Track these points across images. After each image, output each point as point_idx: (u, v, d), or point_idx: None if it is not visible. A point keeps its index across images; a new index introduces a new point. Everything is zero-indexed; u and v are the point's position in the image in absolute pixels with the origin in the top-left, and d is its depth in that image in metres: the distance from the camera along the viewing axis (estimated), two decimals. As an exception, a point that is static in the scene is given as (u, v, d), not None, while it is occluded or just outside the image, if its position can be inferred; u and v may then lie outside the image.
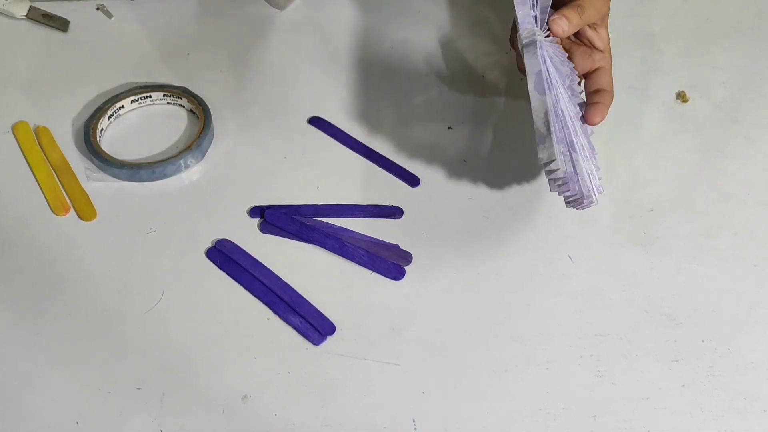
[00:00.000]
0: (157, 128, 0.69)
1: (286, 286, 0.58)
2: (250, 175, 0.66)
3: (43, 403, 0.52)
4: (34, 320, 0.57)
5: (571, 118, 0.56)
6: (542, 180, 0.65)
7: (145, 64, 0.74)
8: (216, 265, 0.60)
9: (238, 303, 0.58)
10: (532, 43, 0.56)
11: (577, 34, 0.62)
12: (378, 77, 0.74)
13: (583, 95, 0.62)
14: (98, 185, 0.65)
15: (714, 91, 0.73)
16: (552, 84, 0.56)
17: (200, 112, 0.69)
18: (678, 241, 0.62)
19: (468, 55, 0.76)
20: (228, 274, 0.59)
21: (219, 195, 0.64)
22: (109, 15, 0.79)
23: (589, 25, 0.61)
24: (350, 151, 0.68)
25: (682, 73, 0.74)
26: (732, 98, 0.72)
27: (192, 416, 0.52)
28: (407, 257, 0.60)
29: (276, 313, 0.57)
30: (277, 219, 0.62)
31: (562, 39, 0.61)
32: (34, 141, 0.68)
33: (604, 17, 0.62)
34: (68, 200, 0.64)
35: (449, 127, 0.69)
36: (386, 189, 0.65)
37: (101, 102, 0.69)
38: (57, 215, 0.63)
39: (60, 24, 0.77)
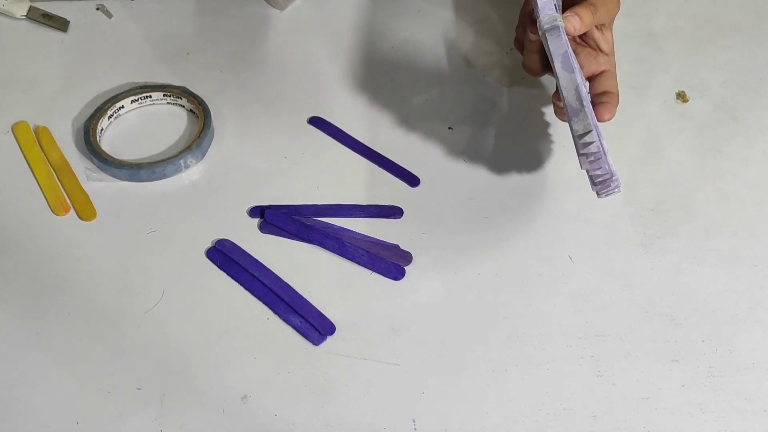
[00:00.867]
0: (157, 128, 0.69)
1: (286, 286, 0.58)
2: (250, 175, 0.66)
3: (43, 403, 0.53)
4: (34, 320, 0.57)
5: (590, 105, 0.56)
6: (542, 180, 0.65)
7: (145, 64, 0.74)
8: (216, 265, 0.60)
9: (238, 303, 0.58)
10: (555, 27, 0.57)
11: (584, 36, 0.62)
12: (378, 77, 0.74)
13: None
14: (98, 185, 0.65)
15: (714, 91, 0.73)
16: (575, 65, 0.57)
17: (200, 112, 0.69)
18: (678, 241, 0.62)
19: (468, 55, 0.76)
20: (228, 274, 0.59)
21: (219, 195, 0.64)
22: (109, 15, 0.79)
23: (596, 27, 0.61)
24: (350, 151, 0.68)
25: (682, 73, 0.74)
26: (732, 98, 0.72)
27: (192, 416, 0.52)
28: (407, 257, 0.60)
29: (276, 313, 0.57)
30: (277, 219, 0.62)
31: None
32: (34, 141, 0.68)
33: (613, 19, 0.62)
34: (68, 200, 0.64)
35: (449, 127, 0.69)
36: (386, 189, 0.65)
37: (101, 102, 0.69)
38: (57, 215, 0.63)
39: (60, 24, 0.77)
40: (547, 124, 0.70)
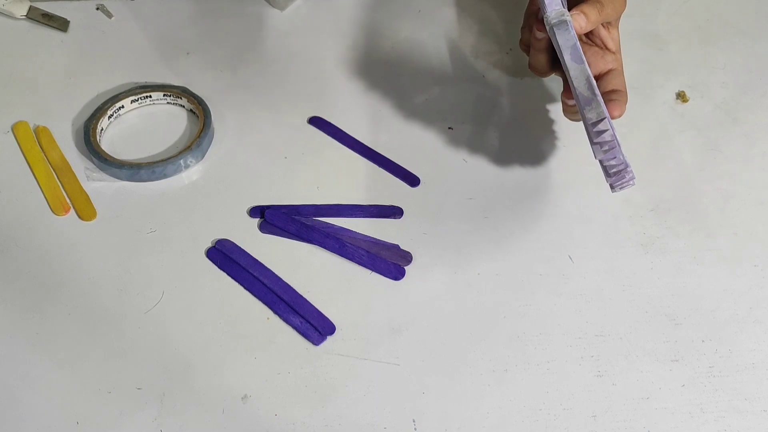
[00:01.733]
0: (157, 128, 0.69)
1: (286, 286, 0.58)
2: (250, 175, 0.66)
3: (43, 403, 0.53)
4: (34, 320, 0.57)
5: (601, 96, 0.57)
6: (542, 180, 0.65)
7: (145, 64, 0.74)
8: (216, 265, 0.60)
9: (238, 303, 0.58)
10: (563, 22, 0.57)
11: (590, 34, 0.62)
12: (378, 77, 0.74)
13: None
14: (98, 185, 0.65)
15: (714, 91, 0.73)
16: (585, 58, 0.57)
17: (200, 112, 0.69)
18: (678, 241, 0.62)
19: (468, 55, 0.76)
20: (228, 274, 0.59)
21: (219, 195, 0.64)
22: (109, 15, 0.79)
23: (602, 25, 0.61)
24: (350, 151, 0.68)
25: (682, 73, 0.74)
26: (732, 98, 0.72)
27: (192, 416, 0.52)
28: (407, 257, 0.60)
29: (276, 313, 0.57)
30: (277, 219, 0.62)
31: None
32: (34, 141, 0.68)
33: (619, 17, 0.62)
34: (68, 200, 0.64)
35: (449, 127, 0.69)
36: (386, 189, 0.65)
37: (101, 102, 0.69)
38: (57, 215, 0.63)
39: (60, 24, 0.77)
40: (547, 124, 0.70)
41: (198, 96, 0.70)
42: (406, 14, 0.80)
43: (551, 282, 0.59)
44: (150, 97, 0.70)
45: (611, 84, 0.61)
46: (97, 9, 0.80)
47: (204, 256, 0.60)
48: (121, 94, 0.70)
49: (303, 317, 0.57)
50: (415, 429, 0.52)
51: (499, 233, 0.62)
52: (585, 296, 0.58)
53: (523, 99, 0.72)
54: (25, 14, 0.78)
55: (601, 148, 0.55)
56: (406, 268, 0.60)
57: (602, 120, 0.55)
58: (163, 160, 0.65)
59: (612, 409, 0.53)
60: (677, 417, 0.52)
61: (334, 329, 0.56)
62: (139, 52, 0.76)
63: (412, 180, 0.66)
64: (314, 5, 0.80)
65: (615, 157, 0.55)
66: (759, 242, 0.62)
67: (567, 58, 0.57)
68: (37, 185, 0.65)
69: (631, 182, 0.55)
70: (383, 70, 0.74)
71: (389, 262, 0.60)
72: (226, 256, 0.60)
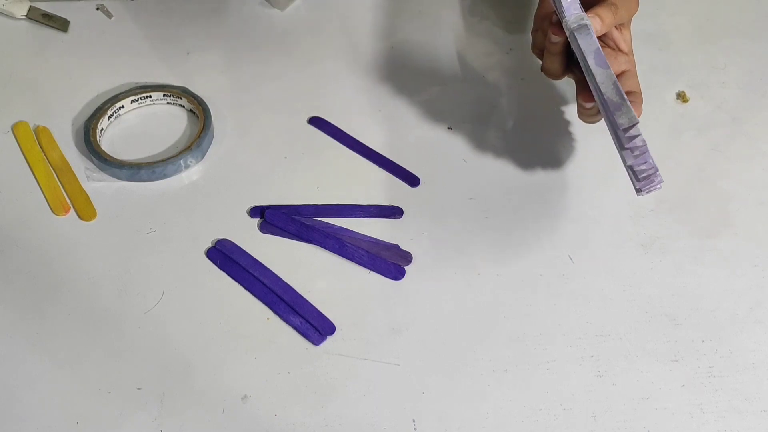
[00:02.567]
0: (157, 128, 0.69)
1: (286, 286, 0.58)
2: (250, 175, 0.66)
3: (43, 403, 0.53)
4: (34, 320, 0.57)
5: None
6: (542, 180, 0.65)
7: (145, 64, 0.74)
8: (216, 265, 0.60)
9: (238, 303, 0.58)
10: (583, 26, 0.57)
11: (603, 36, 0.61)
12: (378, 77, 0.74)
13: None
14: (98, 185, 0.65)
15: (714, 91, 0.73)
16: (608, 62, 0.56)
17: (200, 112, 0.69)
18: (678, 241, 0.62)
19: (468, 55, 0.76)
20: (228, 274, 0.59)
21: (219, 195, 0.64)
22: (109, 15, 0.79)
23: (615, 26, 0.61)
24: (350, 151, 0.68)
25: (682, 73, 0.74)
26: (732, 98, 0.72)
27: (192, 416, 0.52)
28: (407, 257, 0.60)
29: (276, 313, 0.57)
30: (277, 219, 0.62)
31: None
32: (34, 141, 0.68)
33: (631, 18, 0.62)
34: (68, 200, 0.64)
35: (449, 127, 0.69)
36: (386, 189, 0.65)
37: (101, 102, 0.69)
38: (57, 215, 0.63)
39: (60, 24, 0.77)
40: (547, 124, 0.70)
41: (198, 96, 0.70)
42: (406, 14, 0.80)
43: (551, 282, 0.59)
44: (150, 97, 0.70)
45: (626, 86, 0.60)
46: (97, 9, 0.80)
47: (204, 256, 0.60)
48: (121, 94, 0.70)
49: (303, 317, 0.57)
50: (415, 429, 0.52)
51: (499, 233, 0.62)
52: (585, 296, 0.58)
53: (523, 99, 0.72)
54: (25, 14, 0.78)
55: (633, 153, 0.54)
56: (406, 268, 0.60)
57: (634, 125, 0.54)
58: (163, 160, 0.65)
59: (612, 409, 0.53)
60: (677, 417, 0.52)
61: (334, 329, 0.56)
62: (139, 52, 0.76)
63: (412, 180, 0.66)
64: (314, 5, 0.80)
65: (646, 162, 0.54)
66: (759, 242, 0.62)
67: (591, 62, 0.56)
68: (37, 185, 0.65)
69: (658, 186, 0.54)
70: (383, 70, 0.74)
71: (389, 262, 0.60)
72: (226, 256, 0.60)
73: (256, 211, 0.63)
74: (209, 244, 0.61)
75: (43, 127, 0.69)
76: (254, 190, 0.64)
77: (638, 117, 0.58)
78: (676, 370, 0.54)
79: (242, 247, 0.61)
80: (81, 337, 0.56)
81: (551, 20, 0.61)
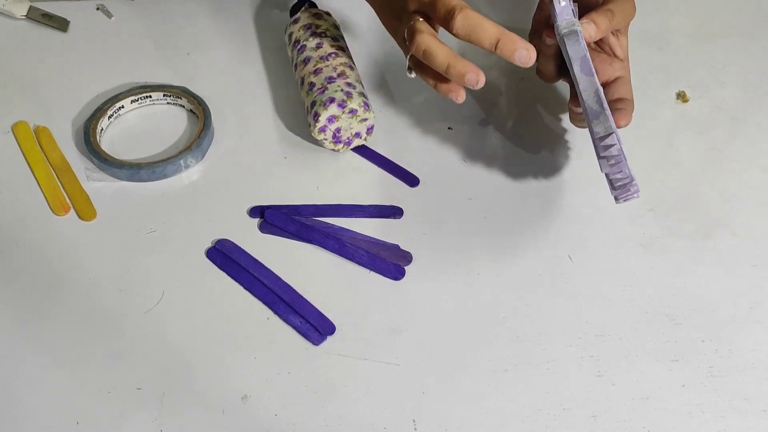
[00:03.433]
0: (157, 128, 0.69)
1: (286, 286, 0.58)
2: (250, 175, 0.66)
3: (43, 403, 0.52)
4: (34, 320, 0.57)
5: (609, 109, 0.56)
6: (542, 180, 0.65)
7: (145, 64, 0.74)
8: (216, 265, 0.60)
9: (238, 303, 0.58)
10: (573, 32, 0.57)
11: (599, 41, 0.62)
12: (378, 77, 0.74)
13: None
14: (98, 185, 0.65)
15: (714, 91, 0.73)
16: (594, 69, 0.57)
17: (200, 112, 0.69)
18: (678, 241, 0.62)
19: (468, 55, 0.76)
20: (228, 274, 0.59)
21: (219, 195, 0.64)
22: (109, 15, 0.79)
23: (612, 32, 0.61)
24: (351, 150, 0.68)
25: (682, 73, 0.74)
26: (732, 98, 0.72)
27: (192, 416, 0.52)
28: (407, 257, 0.60)
29: (276, 313, 0.57)
30: (277, 219, 0.62)
31: None
32: (34, 141, 0.68)
33: (628, 25, 0.62)
34: (68, 200, 0.64)
35: (449, 128, 0.69)
36: (386, 189, 0.65)
37: (101, 102, 0.69)
38: (57, 215, 0.63)
39: (60, 24, 0.77)
40: (547, 125, 0.70)
41: (198, 96, 0.70)
42: (406, 14, 0.80)
43: (551, 282, 0.59)
44: (150, 97, 0.70)
45: (618, 92, 0.61)
46: (97, 9, 0.80)
47: (204, 256, 0.60)
48: (121, 94, 0.70)
49: (303, 317, 0.57)
50: (415, 429, 0.52)
51: (498, 233, 0.62)
52: (585, 296, 0.58)
53: (523, 99, 0.72)
54: (25, 14, 0.78)
55: (608, 162, 0.55)
56: (406, 268, 0.60)
57: (610, 135, 0.55)
58: (163, 160, 0.65)
59: (612, 409, 0.53)
60: (677, 417, 0.52)
61: (334, 329, 0.56)
62: (139, 52, 0.76)
63: (412, 180, 0.66)
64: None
65: (621, 171, 0.55)
66: (759, 242, 0.62)
67: (576, 69, 0.57)
68: (37, 185, 0.65)
69: (635, 195, 0.55)
70: (383, 70, 0.74)
71: (389, 262, 0.60)
72: (226, 256, 0.60)
73: (256, 211, 0.63)
74: (209, 244, 0.61)
75: (43, 127, 0.69)
76: (254, 190, 0.64)
77: (627, 124, 0.58)
78: (676, 370, 0.54)
79: (242, 247, 0.61)
80: (81, 337, 0.56)
81: (548, 23, 0.61)
